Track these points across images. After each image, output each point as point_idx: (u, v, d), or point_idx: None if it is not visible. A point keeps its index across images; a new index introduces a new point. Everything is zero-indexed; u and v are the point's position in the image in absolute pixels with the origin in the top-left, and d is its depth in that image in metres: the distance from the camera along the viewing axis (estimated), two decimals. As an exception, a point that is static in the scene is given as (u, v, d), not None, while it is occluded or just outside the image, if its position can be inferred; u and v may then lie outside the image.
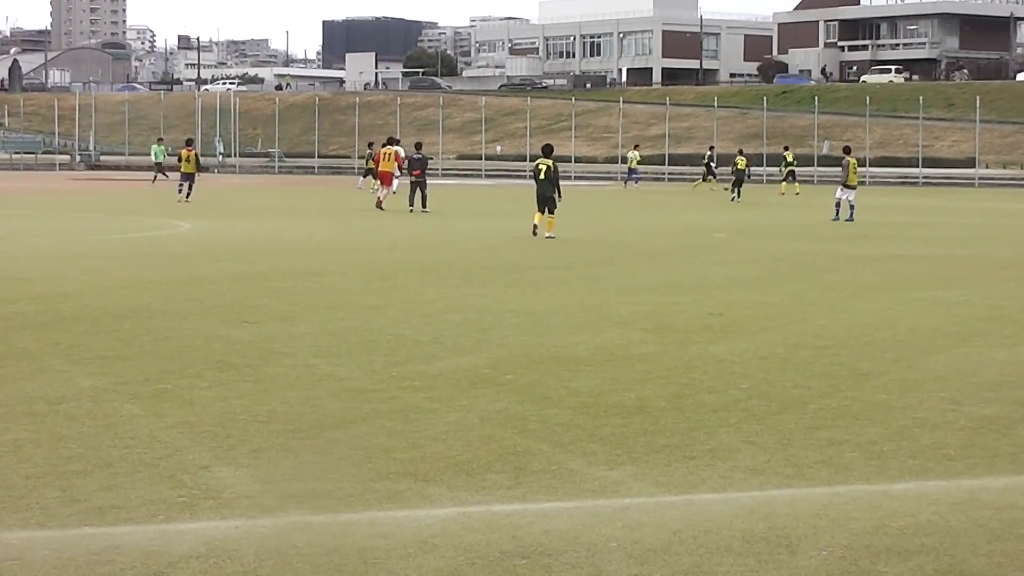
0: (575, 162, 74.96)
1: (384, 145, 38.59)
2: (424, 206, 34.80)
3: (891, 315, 14.01)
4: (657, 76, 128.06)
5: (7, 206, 37.73)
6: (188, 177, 40.33)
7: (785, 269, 19.66)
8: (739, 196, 45.00)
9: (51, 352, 11.04)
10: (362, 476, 7.06)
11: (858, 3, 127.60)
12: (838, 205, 32.65)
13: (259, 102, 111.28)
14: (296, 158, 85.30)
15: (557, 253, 22.10)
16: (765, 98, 79.04)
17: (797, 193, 50.20)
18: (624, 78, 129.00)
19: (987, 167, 70.03)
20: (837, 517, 6.32)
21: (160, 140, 59.85)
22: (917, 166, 66.19)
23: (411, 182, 35.66)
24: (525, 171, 73.84)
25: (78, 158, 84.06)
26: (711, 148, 57.90)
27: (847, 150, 35.09)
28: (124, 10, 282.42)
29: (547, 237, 24.56)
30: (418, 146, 36.39)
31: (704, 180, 53.52)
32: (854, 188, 32.63)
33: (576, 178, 71.52)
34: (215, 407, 8.80)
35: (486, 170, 74.61)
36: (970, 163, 68.52)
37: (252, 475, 7.08)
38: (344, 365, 10.50)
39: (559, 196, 24.82)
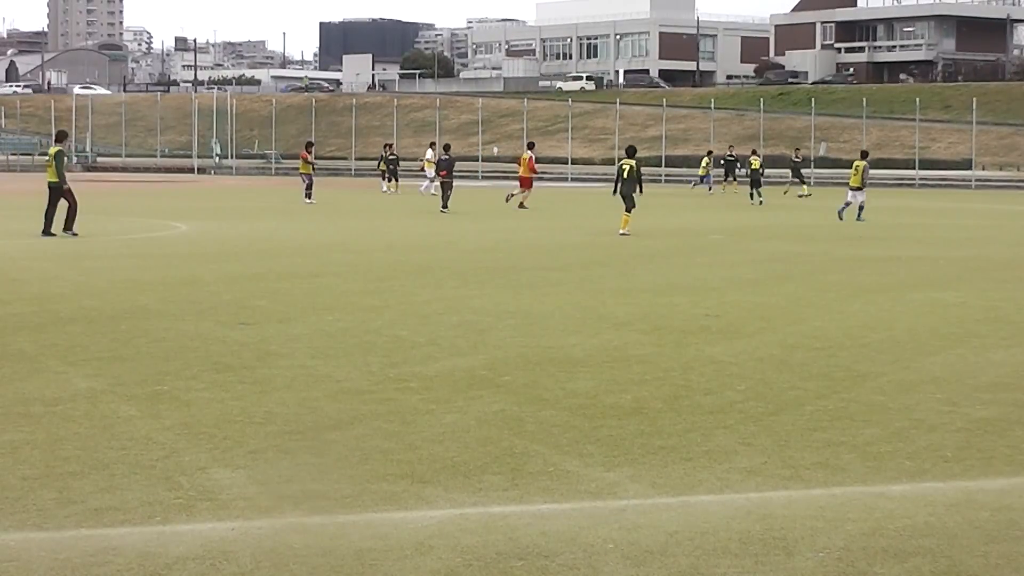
0: (571, 164, 74.99)
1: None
2: (445, 206, 35.68)
3: (888, 316, 14.02)
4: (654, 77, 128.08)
5: (3, 207, 37.70)
6: (307, 177, 42.57)
7: (782, 270, 19.66)
8: (760, 196, 43.85)
9: (47, 353, 11.03)
10: (359, 477, 7.06)
11: (855, 5, 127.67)
12: (848, 206, 33.40)
13: (256, 104, 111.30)
14: (293, 159, 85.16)
15: (554, 254, 22.11)
16: (762, 100, 79.03)
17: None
18: (621, 79, 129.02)
19: (984, 169, 70.02)
20: (834, 519, 6.33)
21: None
22: (914, 168, 66.19)
23: (440, 183, 36.89)
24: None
25: (75, 159, 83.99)
26: (731, 148, 57.35)
27: (864, 154, 36.01)
28: (121, 11, 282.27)
29: (621, 234, 26.17)
30: (446, 148, 37.75)
31: (727, 181, 52.33)
32: (857, 189, 33.28)
33: (573, 179, 71.53)
34: (212, 408, 8.80)
35: (483, 172, 74.58)
36: (967, 165, 68.51)
37: (249, 476, 7.08)
38: (341, 366, 10.50)
39: (640, 191, 26.72)
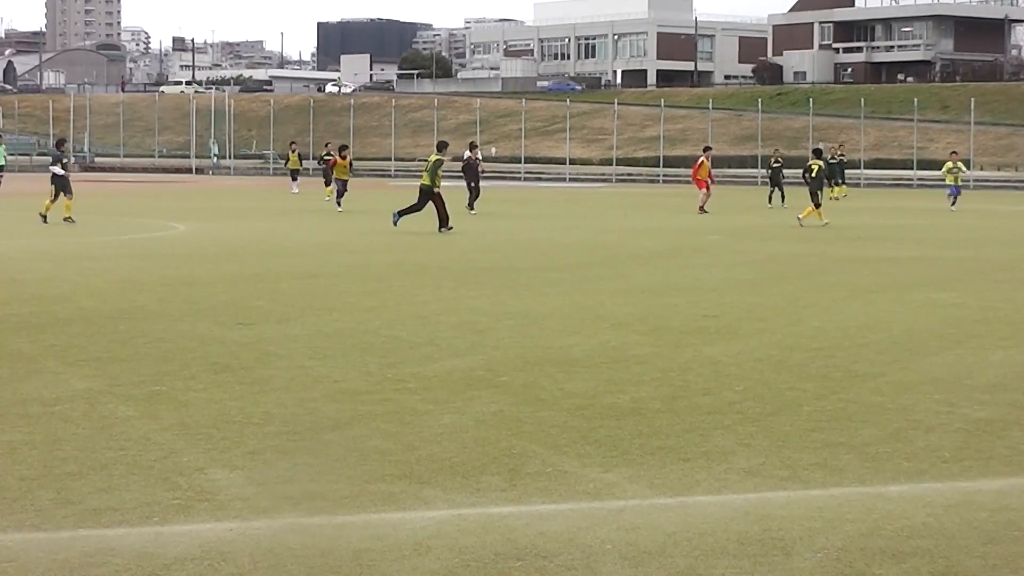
0: (570, 164, 74.98)
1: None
2: (469, 206, 36.03)
3: (886, 317, 14.02)
4: (652, 78, 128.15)
5: (1, 207, 37.67)
6: (342, 183, 38.68)
7: (780, 271, 19.67)
8: (783, 199, 41.22)
9: (46, 354, 11.03)
10: (357, 478, 7.06)
11: (853, 5, 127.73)
12: None
13: (254, 104, 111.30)
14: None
15: (552, 255, 22.11)
16: (760, 100, 79.04)
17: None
18: (619, 80, 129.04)
19: (982, 169, 70.06)
20: (832, 519, 6.33)
21: None
22: (912, 168, 66.23)
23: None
24: (520, 173, 74.06)
25: (73, 160, 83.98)
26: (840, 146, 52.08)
27: None
28: (119, 11, 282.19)
29: (799, 217, 30.51)
30: (471, 146, 37.70)
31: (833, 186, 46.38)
32: None
33: (571, 180, 71.52)
34: (210, 409, 8.80)
35: (481, 172, 74.60)
36: (965, 165, 68.51)
37: (247, 477, 7.08)
38: (339, 367, 10.50)
39: (821, 191, 31.62)
